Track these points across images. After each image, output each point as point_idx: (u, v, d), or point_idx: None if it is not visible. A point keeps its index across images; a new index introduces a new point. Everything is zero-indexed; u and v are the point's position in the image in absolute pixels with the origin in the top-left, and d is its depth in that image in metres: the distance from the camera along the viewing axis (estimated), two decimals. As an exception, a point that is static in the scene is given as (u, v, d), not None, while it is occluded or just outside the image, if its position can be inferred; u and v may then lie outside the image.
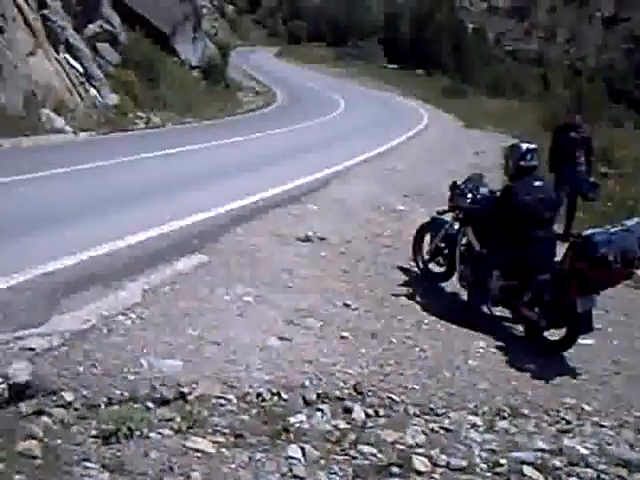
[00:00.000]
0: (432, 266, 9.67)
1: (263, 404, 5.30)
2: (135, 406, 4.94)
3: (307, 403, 5.44)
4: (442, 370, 6.55)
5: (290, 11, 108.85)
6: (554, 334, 7.81)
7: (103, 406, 4.94)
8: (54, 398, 4.95)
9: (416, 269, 9.78)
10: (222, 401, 5.22)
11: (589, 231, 7.32)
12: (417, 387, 6.08)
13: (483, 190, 9.08)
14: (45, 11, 22.88)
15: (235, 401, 5.26)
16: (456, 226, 9.22)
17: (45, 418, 4.70)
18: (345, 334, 6.87)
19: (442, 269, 9.52)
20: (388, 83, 64.18)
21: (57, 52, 23.14)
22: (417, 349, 6.98)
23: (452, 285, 9.17)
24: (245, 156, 18.40)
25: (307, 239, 10.03)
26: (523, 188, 8.14)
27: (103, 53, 27.10)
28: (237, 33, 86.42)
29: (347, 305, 7.72)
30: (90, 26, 26.92)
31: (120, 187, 12.50)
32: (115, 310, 6.48)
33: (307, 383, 5.71)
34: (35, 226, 9.17)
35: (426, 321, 7.86)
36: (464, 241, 8.95)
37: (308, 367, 5.98)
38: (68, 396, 4.97)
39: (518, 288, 8.07)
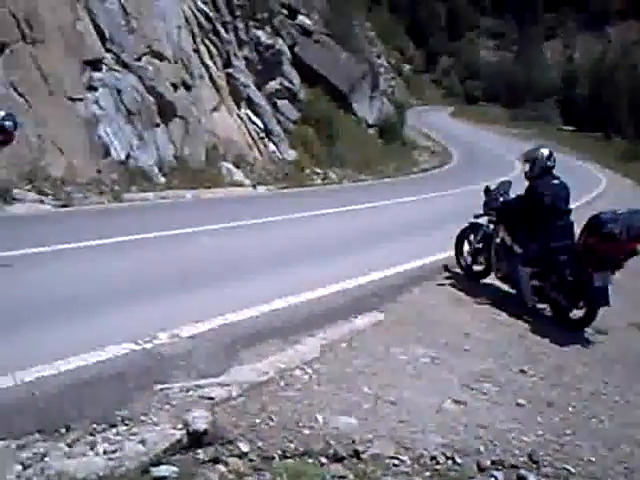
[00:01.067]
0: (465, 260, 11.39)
1: (437, 467, 5.22)
2: (309, 461, 4.97)
3: (481, 469, 5.31)
4: (620, 444, 6.24)
5: (466, 71, 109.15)
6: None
7: (277, 459, 4.98)
8: (230, 447, 5.03)
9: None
10: (396, 462, 5.16)
11: (599, 211, 9.01)
12: (594, 459, 5.82)
13: (512, 195, 10.56)
14: (230, 69, 23.87)
15: (409, 462, 5.20)
16: (491, 227, 10.71)
17: (221, 467, 4.79)
18: (521, 401, 6.70)
19: (482, 267, 11.03)
20: (564, 146, 62.84)
21: (239, 108, 24.03)
22: (595, 420, 6.70)
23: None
24: (420, 216, 18.56)
25: (486, 302, 9.98)
26: (544, 186, 9.73)
27: (283, 110, 27.91)
28: (413, 92, 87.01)
29: (523, 371, 7.54)
30: (271, 83, 27.83)
31: (299, 242, 12.81)
32: (293, 364, 6.57)
33: (482, 449, 5.59)
34: (217, 276, 9.47)
35: (604, 391, 7.56)
36: (498, 240, 10.42)
37: (483, 432, 5.86)
38: (244, 446, 5.04)
39: (544, 272, 9.57)
